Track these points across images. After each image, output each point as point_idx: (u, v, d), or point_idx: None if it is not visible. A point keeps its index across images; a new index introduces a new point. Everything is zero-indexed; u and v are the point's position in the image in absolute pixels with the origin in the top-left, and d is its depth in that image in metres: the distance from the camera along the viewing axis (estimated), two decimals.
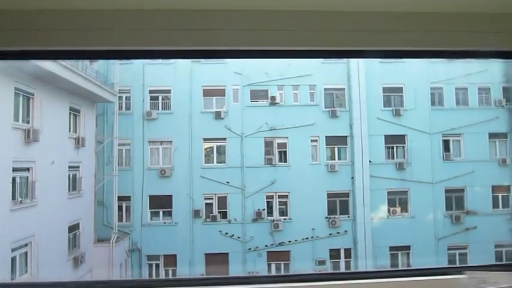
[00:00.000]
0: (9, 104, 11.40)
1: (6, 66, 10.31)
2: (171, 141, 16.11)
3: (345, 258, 15.87)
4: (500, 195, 16.08)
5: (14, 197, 11.61)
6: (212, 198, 16.17)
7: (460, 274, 1.69)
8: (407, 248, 15.70)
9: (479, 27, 1.77)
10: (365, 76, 16.40)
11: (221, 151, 16.47)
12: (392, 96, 16.62)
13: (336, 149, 16.57)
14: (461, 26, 1.77)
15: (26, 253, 11.89)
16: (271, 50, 1.89)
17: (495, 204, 16.04)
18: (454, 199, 16.29)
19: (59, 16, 1.71)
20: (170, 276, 15.26)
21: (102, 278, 11.31)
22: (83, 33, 1.74)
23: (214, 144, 16.43)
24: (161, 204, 15.99)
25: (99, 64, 14.58)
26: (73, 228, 13.99)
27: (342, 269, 15.67)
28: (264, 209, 16.10)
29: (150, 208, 15.97)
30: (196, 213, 15.93)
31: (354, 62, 16.07)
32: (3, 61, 4.50)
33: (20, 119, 11.92)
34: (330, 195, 16.19)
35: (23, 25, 1.70)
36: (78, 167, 14.39)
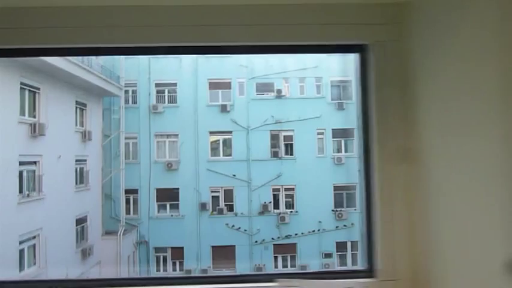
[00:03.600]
0: (15, 98, 11.46)
1: (12, 61, 10.40)
2: (177, 135, 16.15)
3: (352, 251, 15.79)
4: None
5: (21, 191, 11.71)
6: (219, 191, 16.21)
7: (271, 282, 1.65)
8: None
9: (350, 19, 1.74)
10: None
11: (227, 144, 16.46)
12: None
13: (343, 142, 16.45)
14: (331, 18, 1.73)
15: (34, 245, 12.02)
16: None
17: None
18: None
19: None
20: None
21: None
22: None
23: (220, 138, 16.43)
24: (168, 197, 16.08)
25: (105, 58, 14.59)
26: (81, 221, 14.12)
27: (349, 262, 15.57)
28: (270, 202, 16.09)
29: (157, 201, 16.07)
30: (203, 206, 15.98)
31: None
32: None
33: (26, 114, 11.99)
34: (336, 188, 16.10)
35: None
36: (85, 160, 14.49)
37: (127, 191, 15.59)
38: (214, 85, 16.38)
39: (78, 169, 14.15)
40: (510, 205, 1.09)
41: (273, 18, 1.72)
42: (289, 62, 15.98)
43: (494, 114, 1.20)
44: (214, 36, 1.77)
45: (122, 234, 14.97)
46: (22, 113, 11.79)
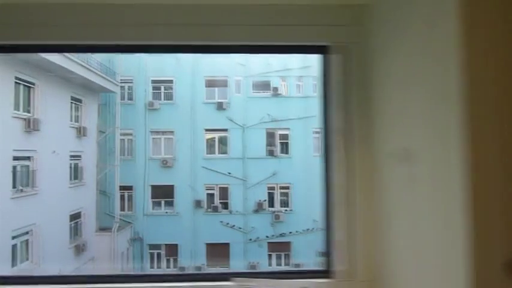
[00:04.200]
0: (10, 93, 11.43)
1: (6, 56, 10.37)
2: (173, 132, 16.13)
3: None
4: None
5: (14, 186, 11.68)
6: (214, 189, 16.20)
7: (227, 281, 1.64)
8: None
9: (317, 20, 1.73)
10: None
11: (223, 142, 16.45)
12: None
13: None
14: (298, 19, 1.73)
15: (27, 241, 12.00)
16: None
17: None
18: None
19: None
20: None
21: None
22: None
23: (216, 135, 16.41)
24: (163, 194, 16.07)
25: (101, 54, 14.56)
26: (75, 217, 14.09)
27: None
28: (265, 200, 16.08)
29: (152, 198, 16.06)
30: (197, 204, 15.97)
31: None
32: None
33: (21, 109, 11.96)
34: None
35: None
36: (80, 156, 14.46)
37: (122, 188, 15.58)
38: (210, 83, 16.36)
39: (72, 165, 14.11)
40: (466, 205, 1.07)
41: (237, 19, 1.71)
42: (288, 61, 15.97)
43: (439, 113, 1.20)
44: (178, 36, 1.76)
45: (116, 230, 14.95)
46: (17, 108, 11.75)
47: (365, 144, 1.68)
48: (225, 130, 16.28)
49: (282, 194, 16.15)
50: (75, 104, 14.17)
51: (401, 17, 1.42)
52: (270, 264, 15.45)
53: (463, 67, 1.08)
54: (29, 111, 12.14)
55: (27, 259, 12.00)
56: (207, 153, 16.26)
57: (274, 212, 15.92)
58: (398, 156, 1.24)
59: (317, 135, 16.13)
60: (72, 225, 13.96)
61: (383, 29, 1.58)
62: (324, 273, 1.66)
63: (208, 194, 16.17)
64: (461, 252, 1.08)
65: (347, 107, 1.71)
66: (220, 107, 16.22)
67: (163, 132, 16.21)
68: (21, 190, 11.88)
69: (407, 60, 1.38)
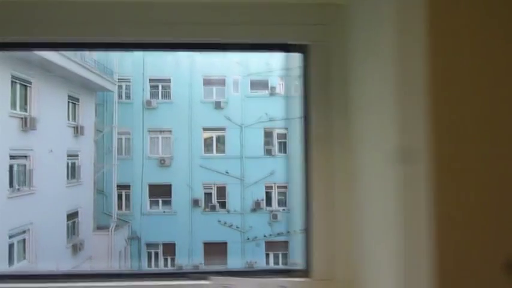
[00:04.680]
0: (6, 92, 11.42)
1: (3, 54, 10.34)
2: (170, 131, 16.12)
3: None
4: None
5: (11, 185, 11.68)
6: (211, 188, 16.20)
7: (205, 280, 1.62)
8: None
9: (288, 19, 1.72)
10: None
11: (221, 141, 16.45)
12: None
13: None
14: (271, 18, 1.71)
15: (24, 240, 12.00)
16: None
17: None
18: None
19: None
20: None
21: None
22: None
23: (214, 134, 16.41)
24: (161, 193, 16.07)
25: (98, 53, 14.55)
26: (72, 216, 14.08)
27: None
28: (263, 200, 16.08)
29: (149, 197, 16.06)
30: (195, 203, 15.98)
31: None
32: None
33: (18, 107, 11.95)
34: None
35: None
36: (77, 155, 14.44)
37: (119, 187, 15.58)
38: (208, 82, 16.35)
39: (70, 164, 14.10)
40: (430, 207, 1.06)
41: (214, 17, 1.69)
42: (287, 60, 15.94)
43: (407, 114, 1.19)
44: (162, 33, 1.74)
45: (113, 229, 14.95)
46: (13, 106, 11.74)
47: (343, 144, 1.67)
48: (223, 129, 16.27)
49: (279, 193, 16.14)
50: (72, 102, 14.15)
51: (374, 17, 1.40)
52: (267, 263, 15.45)
53: (428, 74, 1.07)
54: (25, 110, 12.12)
55: (24, 258, 11.99)
56: (204, 152, 16.25)
57: (271, 211, 15.92)
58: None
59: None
60: (70, 224, 13.95)
61: (359, 29, 1.57)
62: (303, 273, 1.66)
63: (205, 193, 16.17)
64: (422, 255, 1.07)
65: (325, 106, 1.70)
66: (218, 106, 16.22)
67: (161, 131, 16.21)
68: (18, 189, 11.88)
69: (379, 62, 1.37)
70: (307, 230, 1.70)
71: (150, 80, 16.16)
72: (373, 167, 1.48)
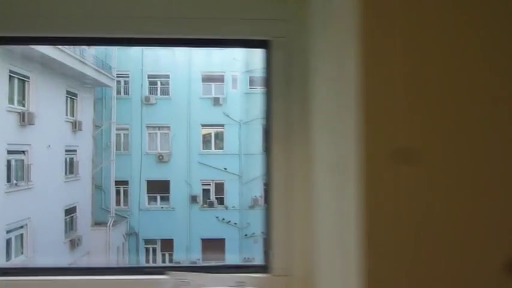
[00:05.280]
0: (4, 86, 11.43)
1: (0, 49, 10.33)
2: (169, 127, 16.11)
3: None
4: None
5: (9, 180, 11.70)
6: (209, 184, 16.20)
7: (163, 275, 1.61)
8: None
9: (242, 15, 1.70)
10: None
11: (219, 137, 16.43)
12: None
13: None
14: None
15: (21, 235, 12.02)
16: None
17: None
18: None
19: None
20: None
21: None
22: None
23: (212, 131, 16.40)
24: (159, 189, 16.08)
25: (97, 48, 14.55)
26: (70, 211, 14.10)
27: None
28: (261, 196, 16.06)
29: (147, 193, 16.06)
30: (193, 199, 15.98)
31: None
32: None
33: (15, 102, 11.96)
34: None
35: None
36: (75, 151, 14.45)
37: (117, 182, 15.58)
38: (207, 78, 16.32)
39: (68, 159, 14.11)
40: (358, 206, 1.05)
41: (174, 11, 1.68)
42: None
43: (341, 116, 1.19)
44: (123, 28, 1.72)
45: (111, 225, 14.98)
46: (11, 101, 11.75)
47: (303, 143, 1.66)
48: (221, 125, 16.25)
49: None
50: (70, 98, 14.14)
51: (330, 13, 1.39)
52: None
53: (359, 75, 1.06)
54: (23, 105, 12.13)
55: (22, 253, 12.01)
56: (203, 149, 16.24)
57: None
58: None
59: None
60: (67, 219, 13.97)
61: (319, 24, 1.55)
62: (263, 269, 1.65)
63: (204, 189, 16.18)
64: (353, 256, 1.07)
65: (286, 104, 1.69)
66: (216, 102, 16.19)
67: (160, 127, 16.20)
68: (16, 184, 11.89)
69: (332, 61, 1.35)
70: (267, 227, 1.70)
71: (148, 76, 16.14)
72: (326, 166, 1.47)
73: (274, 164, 1.72)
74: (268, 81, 1.76)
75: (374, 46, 1.02)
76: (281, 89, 1.70)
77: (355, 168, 1.03)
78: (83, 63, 13.82)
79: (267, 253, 1.68)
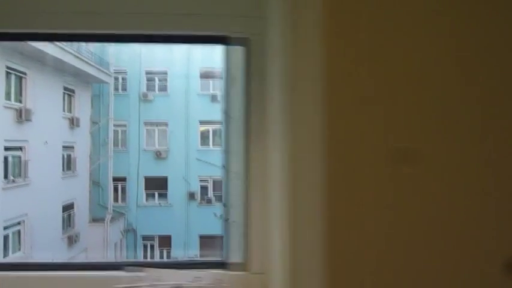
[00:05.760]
0: (1, 83, 11.43)
1: None
2: (167, 123, 16.10)
3: None
4: None
5: (6, 176, 11.71)
6: (207, 181, 16.18)
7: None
8: None
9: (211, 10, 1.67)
10: None
11: (217, 134, 16.41)
12: None
13: None
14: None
15: (19, 231, 12.04)
16: None
17: None
18: None
19: None
20: None
21: None
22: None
23: (210, 128, 16.38)
24: (157, 185, 16.08)
25: (94, 44, 14.53)
26: (67, 208, 14.12)
27: None
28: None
29: (145, 189, 16.07)
30: (191, 196, 15.98)
31: None
32: None
33: (12, 98, 11.95)
34: None
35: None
36: (73, 147, 14.46)
37: (115, 179, 15.59)
38: (205, 74, 16.29)
39: (65, 155, 14.12)
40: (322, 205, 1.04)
41: (151, 7, 1.66)
42: None
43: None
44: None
45: (109, 221, 15.00)
46: (8, 97, 11.74)
47: (278, 141, 1.64)
48: (220, 122, 16.18)
49: None
50: (67, 94, 14.13)
51: (292, 11, 1.37)
52: None
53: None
54: (20, 101, 12.12)
55: (19, 249, 12.03)
56: (201, 145, 16.23)
57: None
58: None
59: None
60: (65, 216, 13.99)
61: (278, 22, 1.53)
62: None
63: (202, 186, 16.17)
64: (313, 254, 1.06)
65: (263, 101, 1.67)
66: (215, 99, 16.16)
67: (157, 124, 16.18)
68: (13, 181, 11.91)
69: (304, 59, 1.33)
70: (245, 226, 1.69)
71: (146, 72, 16.12)
72: (302, 163, 1.45)
73: (251, 163, 1.70)
74: (246, 79, 1.74)
75: (337, 46, 1.01)
76: (258, 86, 1.69)
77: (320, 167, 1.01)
78: (80, 59, 13.80)
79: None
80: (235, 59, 1.68)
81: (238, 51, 1.68)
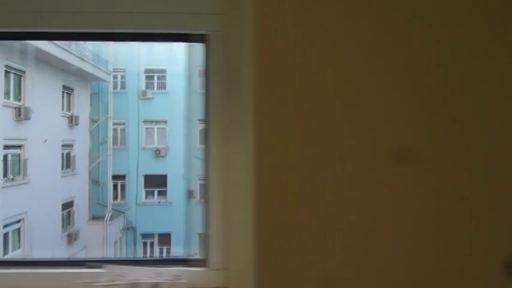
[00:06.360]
0: (0, 81, 11.43)
1: None
2: (166, 121, 16.09)
3: None
4: None
5: (5, 175, 11.73)
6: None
7: (99, 268, 1.61)
8: None
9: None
10: None
11: None
12: None
13: None
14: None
15: (18, 229, 12.06)
16: None
17: None
18: None
19: None
20: None
21: None
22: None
23: None
24: (156, 183, 16.08)
25: (93, 43, 14.53)
26: (67, 206, 14.13)
27: None
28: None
29: (144, 187, 16.07)
30: (190, 194, 15.96)
31: None
32: None
33: (11, 97, 11.96)
34: None
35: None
36: (72, 145, 14.47)
37: (114, 177, 15.59)
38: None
39: (64, 154, 14.13)
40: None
41: (107, 5, 1.65)
42: None
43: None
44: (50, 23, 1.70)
45: (108, 219, 15.02)
46: (7, 96, 11.74)
47: (240, 140, 1.65)
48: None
49: None
50: (66, 92, 14.14)
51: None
52: None
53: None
54: (19, 100, 12.12)
55: (19, 248, 12.05)
56: (200, 143, 16.18)
57: None
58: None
59: None
60: (65, 214, 14.01)
61: (235, 19, 1.54)
62: (200, 262, 1.66)
63: (201, 184, 16.11)
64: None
65: (222, 100, 1.67)
66: None
67: (156, 122, 16.18)
68: (12, 179, 11.93)
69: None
70: (205, 221, 1.71)
71: (145, 70, 16.11)
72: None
73: (211, 162, 1.72)
74: (207, 77, 1.75)
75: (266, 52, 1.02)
76: (218, 84, 1.69)
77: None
78: (79, 58, 13.79)
79: (205, 247, 1.68)
80: (197, 56, 1.69)
81: (200, 48, 1.68)
